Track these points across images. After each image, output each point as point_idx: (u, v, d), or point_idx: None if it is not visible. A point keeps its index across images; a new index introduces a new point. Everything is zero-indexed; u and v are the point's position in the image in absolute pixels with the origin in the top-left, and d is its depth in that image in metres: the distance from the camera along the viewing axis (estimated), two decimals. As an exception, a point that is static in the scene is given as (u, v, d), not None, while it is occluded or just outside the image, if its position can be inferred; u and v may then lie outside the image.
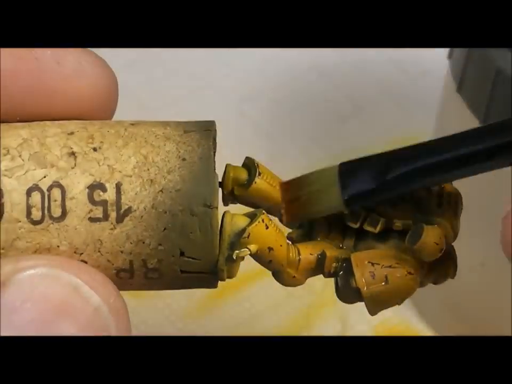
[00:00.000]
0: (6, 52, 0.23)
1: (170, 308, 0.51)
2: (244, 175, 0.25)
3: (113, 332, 0.21)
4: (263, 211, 0.24)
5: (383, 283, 0.23)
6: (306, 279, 0.25)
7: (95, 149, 0.23)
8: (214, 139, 0.24)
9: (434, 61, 0.53)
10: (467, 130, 0.24)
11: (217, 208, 0.23)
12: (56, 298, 0.21)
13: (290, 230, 0.26)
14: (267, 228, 0.23)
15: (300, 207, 0.25)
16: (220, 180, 0.24)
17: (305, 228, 0.25)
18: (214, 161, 0.23)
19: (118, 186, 0.22)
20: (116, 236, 0.22)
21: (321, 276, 0.25)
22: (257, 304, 0.50)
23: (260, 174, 0.25)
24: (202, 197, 0.23)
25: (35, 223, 0.22)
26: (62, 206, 0.22)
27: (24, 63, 0.23)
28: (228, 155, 0.57)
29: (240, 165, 0.25)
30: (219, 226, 0.23)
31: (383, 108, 0.60)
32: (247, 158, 0.25)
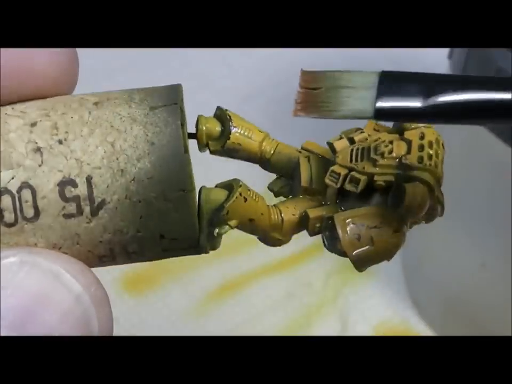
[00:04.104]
0: None
1: (170, 308, 0.51)
2: (217, 127, 0.24)
3: (94, 321, 0.21)
4: (240, 182, 0.23)
5: (368, 246, 0.23)
6: (291, 237, 0.24)
7: (60, 142, 0.22)
8: (182, 110, 0.23)
9: (434, 61, 0.53)
10: None
11: (193, 190, 0.22)
12: (37, 286, 0.21)
13: (270, 179, 0.25)
14: (245, 200, 0.23)
15: (318, 98, 0.23)
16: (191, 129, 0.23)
17: (285, 179, 0.25)
18: (185, 140, 0.22)
19: (89, 180, 0.22)
20: (93, 229, 0.22)
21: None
22: (257, 304, 0.50)
23: (233, 128, 0.24)
24: (175, 182, 0.22)
25: (9, 225, 0.22)
26: (34, 206, 0.22)
27: None
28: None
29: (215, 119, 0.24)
30: (197, 206, 0.22)
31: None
32: (218, 108, 0.24)
